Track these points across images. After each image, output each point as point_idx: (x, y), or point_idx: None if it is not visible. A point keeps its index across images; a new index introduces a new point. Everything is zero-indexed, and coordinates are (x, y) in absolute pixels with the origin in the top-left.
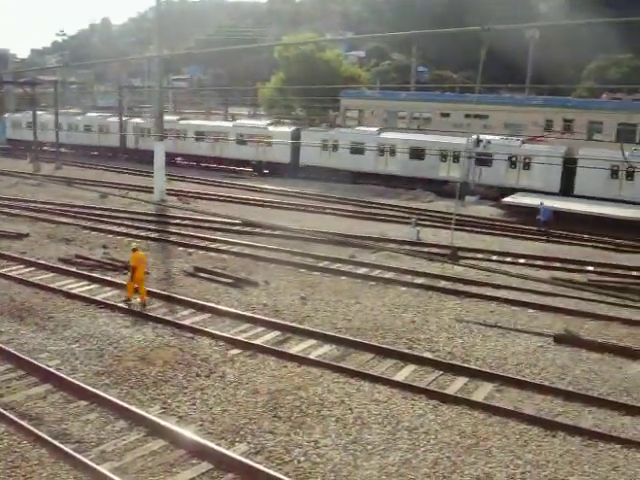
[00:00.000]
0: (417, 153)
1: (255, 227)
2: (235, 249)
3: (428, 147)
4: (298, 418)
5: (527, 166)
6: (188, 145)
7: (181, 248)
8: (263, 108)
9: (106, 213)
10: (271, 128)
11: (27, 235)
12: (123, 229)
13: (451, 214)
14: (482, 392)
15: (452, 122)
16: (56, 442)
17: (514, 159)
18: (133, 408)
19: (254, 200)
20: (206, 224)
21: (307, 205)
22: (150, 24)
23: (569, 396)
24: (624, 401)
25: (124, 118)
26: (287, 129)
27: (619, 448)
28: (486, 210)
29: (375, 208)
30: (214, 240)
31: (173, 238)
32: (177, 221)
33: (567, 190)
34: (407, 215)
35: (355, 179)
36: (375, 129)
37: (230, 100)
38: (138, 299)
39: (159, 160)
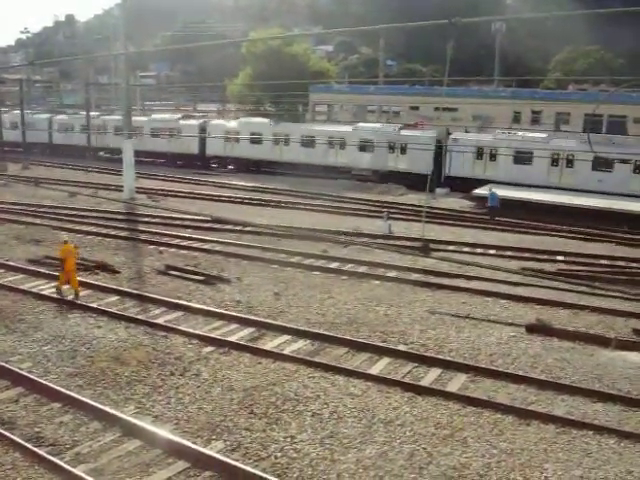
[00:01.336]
0: (308, 142)
1: (225, 224)
2: (206, 246)
3: (317, 135)
4: (274, 414)
5: (404, 150)
6: (108, 139)
7: (152, 246)
8: (232, 104)
9: (75, 213)
10: (181, 122)
11: None
12: (93, 228)
13: (422, 207)
14: (456, 383)
15: (422, 115)
16: (30, 445)
17: (392, 144)
18: (107, 409)
19: (224, 196)
20: (176, 222)
21: (277, 200)
22: (116, 21)
23: (542, 385)
24: (596, 388)
25: (49, 115)
26: (195, 122)
27: (592, 434)
28: (456, 202)
29: (346, 202)
30: (185, 237)
31: (144, 236)
32: (147, 219)
33: (439, 172)
34: (379, 209)
35: (254, 167)
36: (271, 120)
37: (199, 96)
38: (72, 291)
39: (128, 158)
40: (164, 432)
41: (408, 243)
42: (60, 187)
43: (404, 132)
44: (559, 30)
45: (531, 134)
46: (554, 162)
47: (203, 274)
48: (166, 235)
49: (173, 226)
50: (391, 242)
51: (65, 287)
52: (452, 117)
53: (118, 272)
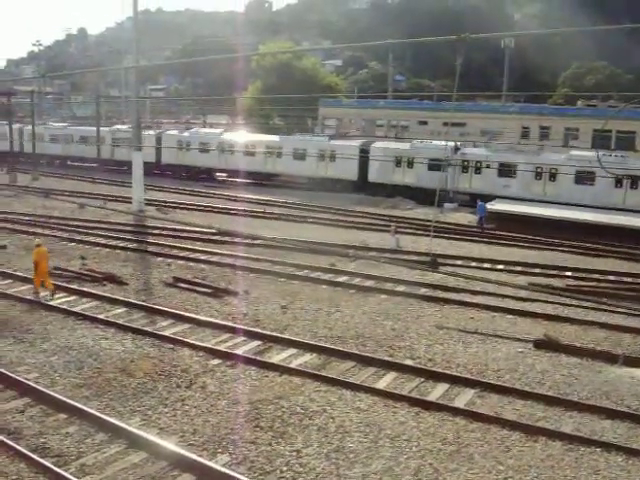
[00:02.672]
0: (249, 151)
1: (233, 236)
2: (214, 259)
3: (257, 145)
4: (280, 428)
5: (333, 159)
6: (73, 148)
7: (160, 258)
8: (241, 117)
9: (84, 224)
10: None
11: (4, 247)
12: (101, 240)
13: (430, 221)
14: (463, 398)
15: (430, 130)
16: (35, 456)
17: (323, 153)
18: (113, 420)
19: (232, 209)
20: (185, 234)
21: (285, 214)
22: (127, 34)
23: (550, 401)
24: (604, 405)
25: (21, 126)
26: (152, 132)
27: (600, 452)
28: (464, 217)
29: (354, 216)
30: (193, 250)
31: (152, 248)
32: (156, 231)
33: (364, 178)
34: (386, 223)
35: (204, 174)
36: (219, 130)
37: (208, 109)
38: (47, 292)
39: (137, 170)
40: (170, 444)
41: (416, 257)
42: (69, 198)
43: (333, 142)
44: (568, 46)
45: (444, 143)
46: (464, 169)
47: (211, 286)
48: (174, 247)
49: (181, 238)
50: (399, 256)
51: (46, 288)
52: (460, 132)
53: (126, 284)
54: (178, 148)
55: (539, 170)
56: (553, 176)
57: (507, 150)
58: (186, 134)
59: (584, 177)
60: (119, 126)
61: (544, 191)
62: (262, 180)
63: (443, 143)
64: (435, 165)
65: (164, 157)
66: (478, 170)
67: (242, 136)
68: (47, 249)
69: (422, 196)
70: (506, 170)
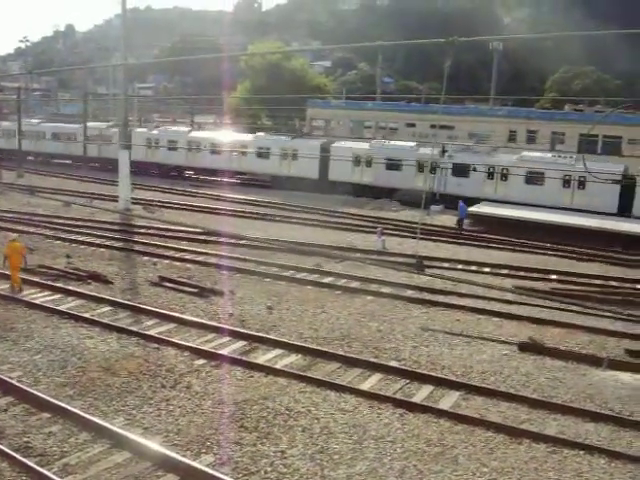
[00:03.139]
0: (216, 149)
1: (219, 236)
2: (200, 258)
3: (223, 144)
4: (264, 428)
5: (295, 157)
6: (45, 144)
7: (146, 257)
8: (230, 117)
9: (70, 222)
10: (112, 130)
11: None
12: (87, 238)
13: (416, 223)
14: (448, 400)
15: (418, 132)
16: (18, 455)
17: (285, 152)
18: (97, 420)
19: (218, 209)
20: (171, 233)
21: (272, 214)
22: (115, 31)
23: (534, 403)
24: (588, 408)
25: None
26: None
27: (583, 454)
28: (451, 219)
29: (340, 217)
30: (179, 249)
31: (138, 247)
32: (142, 230)
33: (324, 176)
34: (372, 224)
35: (174, 172)
36: (187, 129)
37: (196, 108)
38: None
39: (124, 168)
40: (154, 444)
41: (402, 259)
42: (54, 196)
43: (295, 141)
44: (556, 50)
45: (401, 144)
46: (420, 168)
47: (196, 286)
48: (160, 246)
49: (167, 237)
50: (385, 258)
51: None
52: (448, 135)
53: (111, 282)
54: (147, 146)
55: (490, 170)
56: (505, 176)
57: (460, 151)
58: (155, 132)
59: (534, 177)
60: (89, 123)
61: (495, 190)
62: (227, 178)
63: (401, 143)
64: (393, 165)
65: (134, 155)
66: (434, 170)
67: (209, 134)
68: (23, 245)
69: (380, 195)
70: (459, 170)
